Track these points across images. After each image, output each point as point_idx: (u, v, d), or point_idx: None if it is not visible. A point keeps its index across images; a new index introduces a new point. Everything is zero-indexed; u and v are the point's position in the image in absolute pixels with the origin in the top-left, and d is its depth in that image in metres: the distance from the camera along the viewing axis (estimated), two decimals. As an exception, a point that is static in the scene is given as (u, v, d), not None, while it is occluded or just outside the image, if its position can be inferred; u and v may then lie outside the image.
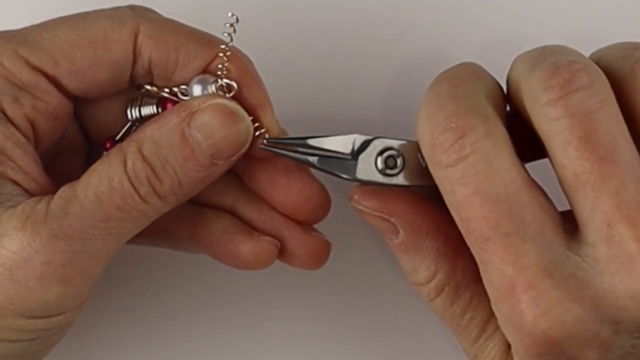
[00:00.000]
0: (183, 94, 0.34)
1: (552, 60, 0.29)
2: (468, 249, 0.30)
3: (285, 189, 0.35)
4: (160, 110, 0.34)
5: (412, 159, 0.32)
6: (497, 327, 0.31)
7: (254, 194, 0.36)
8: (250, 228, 0.36)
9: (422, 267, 0.32)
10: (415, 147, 0.32)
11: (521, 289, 0.28)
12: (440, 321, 0.33)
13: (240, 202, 0.36)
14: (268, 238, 0.35)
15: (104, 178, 0.31)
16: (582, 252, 0.28)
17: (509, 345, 0.31)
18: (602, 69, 0.29)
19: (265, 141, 0.34)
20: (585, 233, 0.28)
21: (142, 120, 0.34)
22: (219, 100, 0.32)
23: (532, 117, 0.29)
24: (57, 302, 0.31)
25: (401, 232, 0.32)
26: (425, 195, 0.33)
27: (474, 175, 0.28)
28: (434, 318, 0.33)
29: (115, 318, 0.40)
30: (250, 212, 0.36)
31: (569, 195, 0.29)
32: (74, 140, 0.35)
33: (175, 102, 0.34)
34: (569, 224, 0.29)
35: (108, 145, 0.35)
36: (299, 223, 0.35)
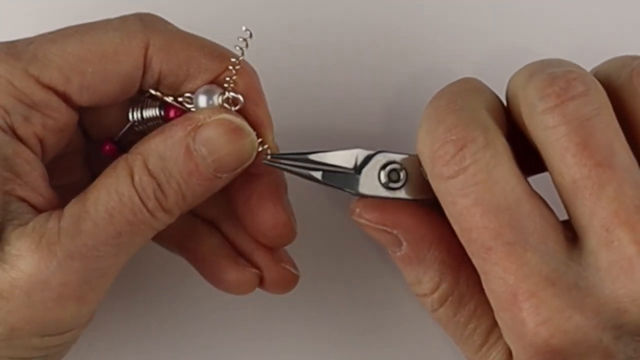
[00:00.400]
0: (187, 102, 0.33)
1: (549, 70, 0.29)
2: (470, 260, 0.30)
3: (254, 211, 0.35)
4: (162, 113, 0.34)
5: (414, 173, 0.33)
6: (500, 336, 0.31)
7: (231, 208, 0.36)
8: (237, 254, 0.36)
9: (426, 278, 0.32)
10: (417, 160, 0.32)
11: (523, 297, 0.28)
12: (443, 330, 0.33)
13: (223, 217, 0.36)
14: (252, 270, 0.36)
15: (113, 193, 0.31)
16: (583, 261, 0.28)
17: (511, 354, 0.31)
18: (601, 80, 0.30)
19: (268, 157, 0.34)
20: (585, 240, 0.29)
21: (143, 122, 0.34)
22: (225, 115, 0.32)
23: (530, 127, 0.30)
24: (71, 320, 0.31)
25: (404, 244, 0.32)
26: (427, 207, 0.33)
27: (474, 186, 0.29)
28: (436, 325, 0.33)
29: (113, 318, 0.40)
30: (230, 229, 0.36)
31: (568, 203, 0.29)
32: (75, 141, 0.35)
33: (178, 109, 0.34)
34: (570, 233, 0.29)
35: (107, 147, 0.35)
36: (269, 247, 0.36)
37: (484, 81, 0.33)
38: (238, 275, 0.36)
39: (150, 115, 0.34)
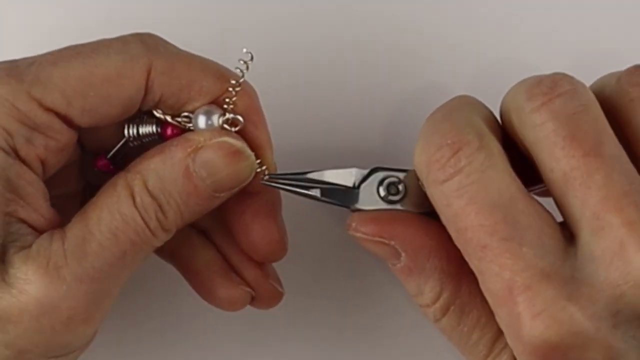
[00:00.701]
0: (185, 121, 0.33)
1: (537, 75, 0.30)
2: (471, 270, 0.30)
3: (248, 227, 0.35)
4: (159, 130, 0.34)
5: (413, 186, 0.33)
6: (506, 346, 0.31)
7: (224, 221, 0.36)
8: (230, 269, 0.36)
9: (427, 288, 0.32)
10: (415, 175, 0.32)
11: (518, 291, 0.28)
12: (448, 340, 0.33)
13: (216, 227, 0.37)
14: (246, 288, 0.36)
15: (115, 213, 0.31)
16: (579, 255, 0.28)
17: None
18: (595, 94, 0.30)
19: (266, 177, 0.34)
20: (579, 234, 0.29)
21: (139, 138, 0.34)
22: (225, 138, 0.33)
23: (520, 130, 0.30)
24: (78, 341, 0.31)
25: (402, 255, 0.32)
26: (424, 217, 0.33)
27: (468, 186, 0.29)
28: (436, 339, 0.34)
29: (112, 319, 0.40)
30: (221, 240, 0.37)
31: (561, 200, 0.29)
32: (71, 154, 0.34)
33: (175, 127, 0.34)
34: (567, 232, 0.29)
35: (101, 162, 0.35)
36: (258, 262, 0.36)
37: (480, 98, 0.33)
38: (231, 292, 0.36)
39: (147, 132, 0.34)
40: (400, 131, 0.41)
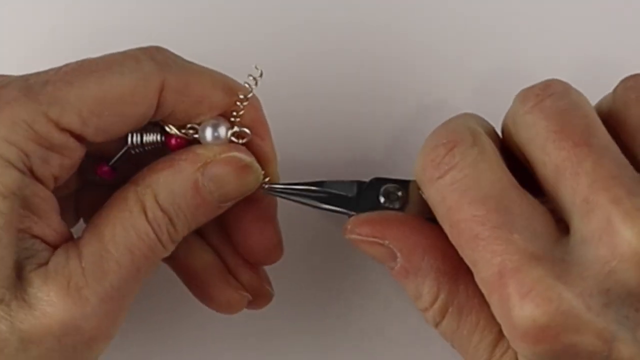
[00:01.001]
0: (191, 132, 0.34)
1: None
2: (468, 269, 0.30)
3: (247, 232, 0.36)
4: (162, 139, 0.34)
5: (414, 196, 0.34)
6: (507, 350, 0.31)
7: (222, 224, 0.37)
8: (227, 273, 0.37)
9: (425, 289, 0.32)
10: (416, 184, 0.33)
11: (508, 274, 0.28)
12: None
13: (212, 231, 0.37)
14: (244, 293, 0.37)
15: (129, 229, 0.31)
16: (571, 241, 0.28)
17: None
18: (595, 109, 0.31)
19: (267, 186, 0.35)
20: (571, 222, 0.29)
21: (142, 146, 0.34)
22: (235, 153, 0.33)
23: (516, 136, 0.31)
24: (96, 357, 0.32)
25: (398, 255, 0.32)
26: (419, 217, 0.33)
27: (461, 180, 0.29)
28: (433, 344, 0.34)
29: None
30: (217, 240, 0.37)
31: (554, 194, 0.29)
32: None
33: (180, 138, 0.34)
34: (562, 224, 0.29)
35: (104, 169, 0.35)
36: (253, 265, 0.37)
37: (482, 113, 0.33)
38: (229, 295, 0.36)
39: (151, 140, 0.34)
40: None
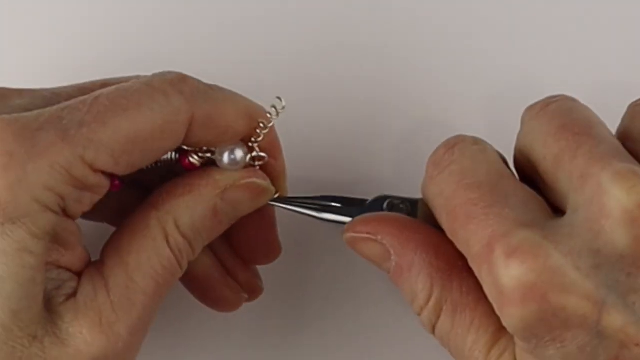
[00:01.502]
0: (207, 156, 0.34)
1: None
2: (463, 266, 0.30)
3: (249, 237, 0.37)
4: (177, 157, 0.34)
5: (420, 211, 0.34)
6: (503, 352, 0.30)
7: None
8: (226, 273, 0.38)
9: (419, 285, 0.31)
10: (422, 202, 0.34)
11: (496, 240, 0.27)
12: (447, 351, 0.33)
13: None
14: (243, 294, 0.38)
15: (154, 258, 0.32)
16: (565, 216, 0.28)
17: None
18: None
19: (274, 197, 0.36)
20: (568, 202, 0.28)
21: (155, 163, 0.34)
22: (254, 179, 0.34)
23: (523, 144, 0.31)
24: None
25: (392, 252, 0.32)
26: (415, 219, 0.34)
27: (459, 173, 0.30)
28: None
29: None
30: (216, 244, 0.37)
31: (552, 186, 0.29)
32: None
33: (195, 154, 0.34)
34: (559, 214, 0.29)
35: (116, 183, 0.35)
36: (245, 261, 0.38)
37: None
38: (228, 295, 0.38)
39: (164, 158, 0.34)
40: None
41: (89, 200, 0.31)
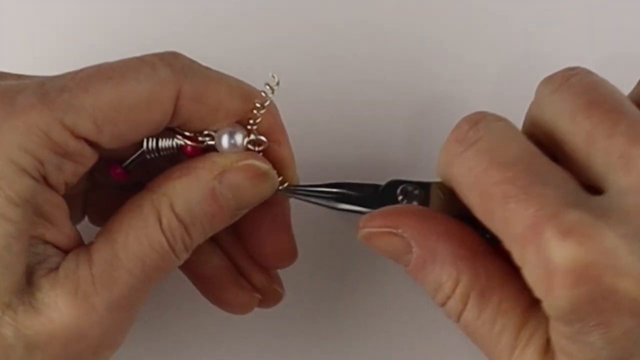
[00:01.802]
0: (207, 140, 0.33)
1: None
2: (485, 251, 0.30)
3: (263, 238, 0.36)
4: (178, 144, 0.34)
5: (434, 197, 0.33)
6: (532, 335, 0.29)
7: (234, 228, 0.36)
8: (238, 275, 0.37)
9: (444, 275, 0.30)
10: (435, 185, 0.33)
11: (544, 221, 0.26)
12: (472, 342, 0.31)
13: (223, 234, 0.36)
14: (255, 294, 0.37)
15: (142, 238, 0.31)
16: (607, 196, 0.27)
17: (545, 350, 0.29)
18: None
19: (283, 187, 0.35)
20: (607, 181, 0.28)
21: (157, 150, 0.34)
22: (252, 161, 0.33)
23: (541, 119, 0.30)
24: None
25: (413, 244, 0.31)
26: (433, 210, 0.33)
27: (488, 151, 0.29)
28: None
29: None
30: (228, 244, 0.37)
31: (584, 163, 0.29)
32: None
33: (196, 144, 0.34)
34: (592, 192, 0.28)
35: (117, 171, 0.35)
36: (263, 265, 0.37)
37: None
38: (240, 297, 0.36)
39: (166, 145, 0.34)
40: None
41: (71, 170, 0.31)
